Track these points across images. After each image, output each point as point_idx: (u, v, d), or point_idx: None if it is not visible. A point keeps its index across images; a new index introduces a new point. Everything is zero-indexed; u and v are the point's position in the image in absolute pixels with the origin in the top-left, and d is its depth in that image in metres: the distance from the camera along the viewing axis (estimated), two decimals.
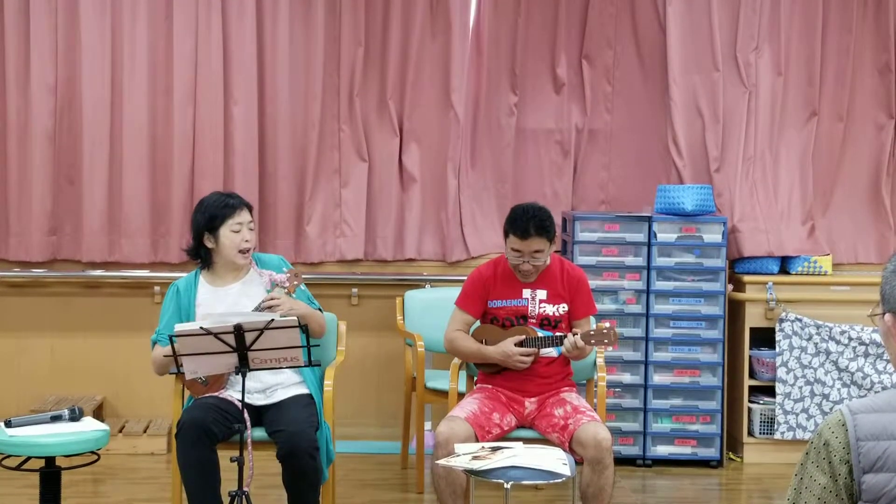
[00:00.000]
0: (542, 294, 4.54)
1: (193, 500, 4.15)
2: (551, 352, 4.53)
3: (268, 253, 5.10)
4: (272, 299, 4.28)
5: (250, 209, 4.50)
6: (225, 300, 4.41)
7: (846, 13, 6.27)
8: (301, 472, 4.13)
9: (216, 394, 4.28)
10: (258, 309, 4.24)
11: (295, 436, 4.11)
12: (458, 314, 4.62)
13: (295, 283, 4.35)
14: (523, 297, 4.54)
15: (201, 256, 4.47)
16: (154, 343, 4.41)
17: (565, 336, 4.39)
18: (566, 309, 4.55)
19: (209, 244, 4.42)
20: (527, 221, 4.40)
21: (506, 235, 4.50)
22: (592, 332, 4.36)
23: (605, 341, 4.34)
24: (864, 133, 6.37)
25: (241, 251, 4.40)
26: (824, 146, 6.34)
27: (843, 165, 6.38)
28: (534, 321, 4.53)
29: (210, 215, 4.40)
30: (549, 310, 4.53)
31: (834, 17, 6.28)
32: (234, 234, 4.39)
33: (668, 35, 6.21)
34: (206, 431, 4.10)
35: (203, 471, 4.12)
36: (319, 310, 4.53)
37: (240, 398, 4.07)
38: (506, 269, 4.58)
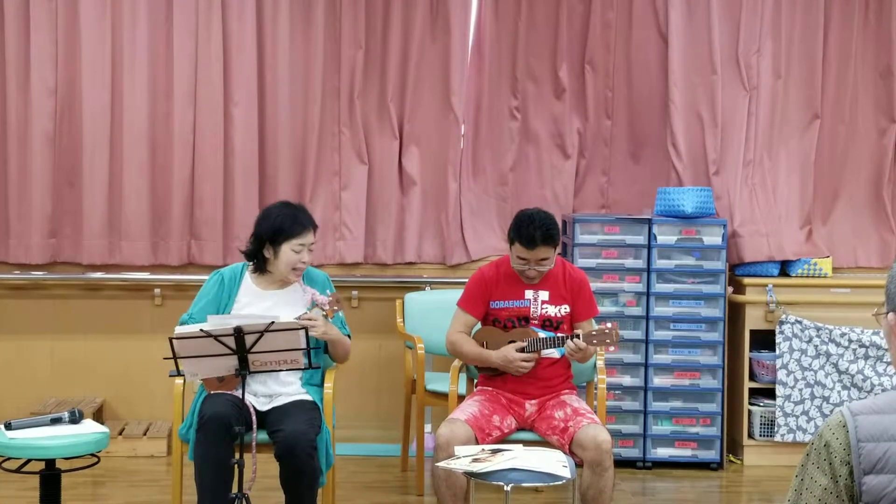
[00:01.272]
0: (544, 295, 4.54)
1: (206, 496, 4.09)
2: (553, 353, 4.53)
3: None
4: (310, 319, 4.28)
5: (315, 230, 4.50)
6: (264, 303, 4.42)
7: (847, 16, 6.27)
8: (298, 472, 4.12)
9: (230, 391, 4.27)
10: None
11: (293, 434, 4.10)
12: (459, 315, 4.62)
13: (335, 308, 4.37)
14: (525, 297, 4.55)
15: (256, 259, 4.47)
16: (182, 324, 4.37)
17: (567, 337, 4.39)
18: (568, 310, 4.55)
19: (267, 254, 4.43)
20: (533, 231, 4.39)
21: (511, 243, 4.49)
22: (594, 333, 4.36)
23: (607, 341, 4.34)
24: (866, 137, 6.36)
25: (294, 269, 4.41)
26: (826, 150, 6.34)
27: (845, 169, 6.38)
28: (535, 322, 4.53)
29: (277, 228, 4.39)
30: (552, 311, 4.53)
31: (835, 20, 6.27)
32: (294, 253, 4.39)
33: (668, 38, 6.20)
34: (227, 427, 4.05)
35: (220, 467, 4.07)
36: (349, 336, 4.55)
37: (249, 400, 4.09)
38: (508, 271, 4.59)
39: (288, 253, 4.39)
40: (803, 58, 6.24)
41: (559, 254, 4.62)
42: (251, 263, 4.50)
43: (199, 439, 4.12)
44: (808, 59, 6.24)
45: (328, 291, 4.45)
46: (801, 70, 6.26)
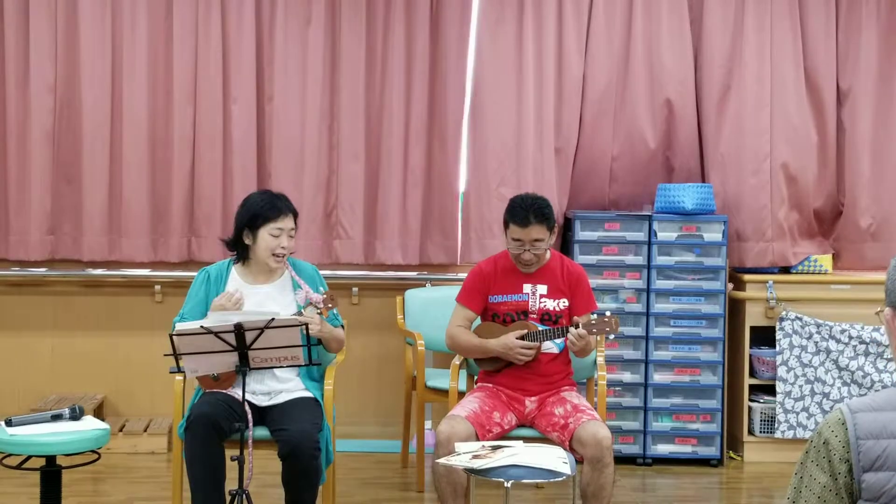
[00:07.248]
0: (542, 289, 4.55)
1: (198, 495, 4.12)
2: (552, 347, 4.54)
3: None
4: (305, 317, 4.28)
5: (295, 216, 4.50)
6: (253, 298, 4.41)
7: (856, 13, 6.22)
8: (301, 472, 4.14)
9: (225, 391, 4.27)
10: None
11: (298, 435, 4.11)
12: (459, 310, 4.63)
13: (329, 306, 4.36)
14: (524, 291, 4.55)
15: (238, 250, 4.48)
16: (175, 326, 4.38)
17: (567, 328, 4.39)
18: (567, 304, 4.56)
19: (247, 241, 4.44)
20: (526, 210, 4.43)
21: (506, 226, 4.52)
22: (594, 322, 4.36)
23: (607, 329, 4.35)
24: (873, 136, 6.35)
25: (274, 255, 4.40)
26: (829, 151, 6.32)
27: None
28: (534, 316, 4.53)
29: (253, 213, 4.41)
30: (550, 304, 4.54)
31: (846, 15, 6.23)
32: (273, 237, 4.39)
33: (671, 35, 6.19)
34: (214, 426, 4.09)
35: (210, 466, 4.10)
36: (342, 325, 4.56)
37: (248, 397, 4.08)
38: (506, 265, 4.59)
39: (266, 238, 4.39)
40: (811, 57, 6.22)
41: (555, 247, 4.62)
42: (234, 254, 4.50)
43: (187, 439, 4.15)
44: (814, 60, 6.22)
45: (321, 289, 4.45)
46: (808, 68, 6.23)
